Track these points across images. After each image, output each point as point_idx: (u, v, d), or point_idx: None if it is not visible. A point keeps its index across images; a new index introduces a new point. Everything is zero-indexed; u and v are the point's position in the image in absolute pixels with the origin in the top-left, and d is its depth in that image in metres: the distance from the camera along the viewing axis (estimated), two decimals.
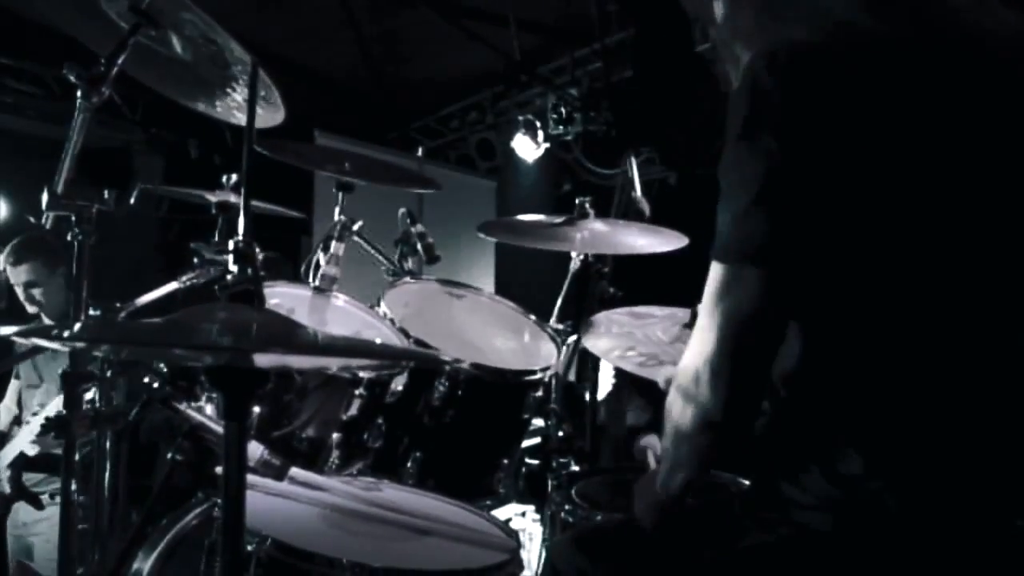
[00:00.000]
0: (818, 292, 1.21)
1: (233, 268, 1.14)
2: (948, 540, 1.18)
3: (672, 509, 1.40)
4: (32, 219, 1.90)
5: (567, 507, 2.24)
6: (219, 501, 1.54)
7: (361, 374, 2.11)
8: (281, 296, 2.32)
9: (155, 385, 1.67)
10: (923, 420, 1.18)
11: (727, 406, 1.23)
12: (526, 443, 2.66)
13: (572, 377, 2.91)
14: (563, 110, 5.71)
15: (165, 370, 1.69)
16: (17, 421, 3.62)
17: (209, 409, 1.93)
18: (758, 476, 1.38)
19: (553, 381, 2.58)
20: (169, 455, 1.77)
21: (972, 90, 1.20)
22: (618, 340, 2.50)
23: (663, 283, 2.76)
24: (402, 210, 2.86)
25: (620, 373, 3.22)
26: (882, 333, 1.19)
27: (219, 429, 1.63)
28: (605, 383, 3.20)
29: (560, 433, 2.57)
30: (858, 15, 1.20)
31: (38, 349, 3.40)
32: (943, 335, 1.18)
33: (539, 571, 2.26)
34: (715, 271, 1.22)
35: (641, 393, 3.65)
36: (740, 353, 1.22)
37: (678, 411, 1.29)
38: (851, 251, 1.17)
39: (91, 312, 1.93)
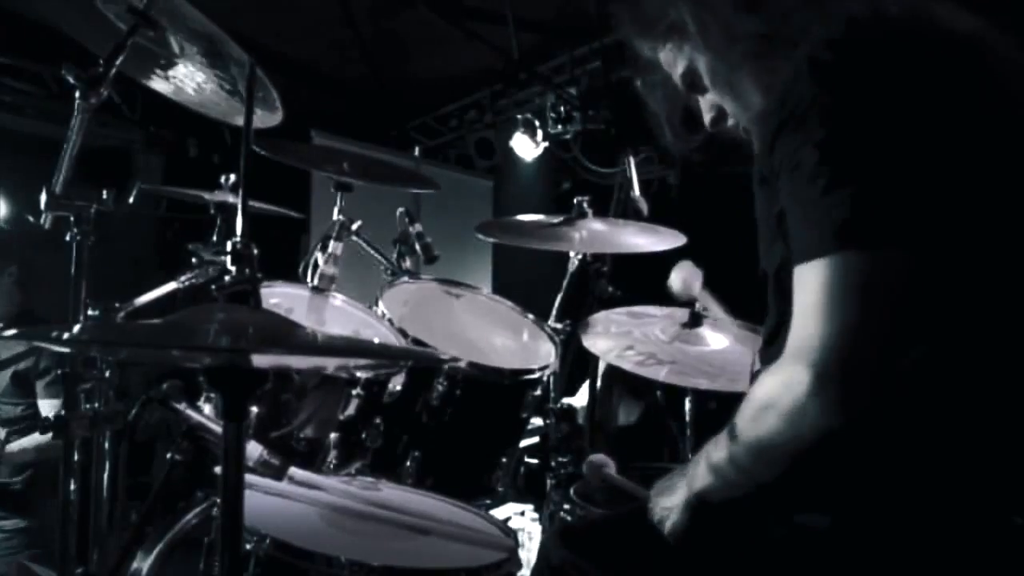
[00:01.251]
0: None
1: (231, 268, 1.14)
2: (946, 538, 1.18)
3: (701, 515, 1.32)
4: (31, 218, 1.90)
5: (565, 506, 2.25)
6: (218, 500, 1.55)
7: (359, 374, 2.11)
8: (280, 296, 2.32)
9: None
10: (919, 417, 1.18)
11: (847, 407, 1.10)
12: (525, 442, 2.67)
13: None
14: (562, 109, 5.70)
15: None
16: None
17: (208, 409, 1.94)
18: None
19: (551, 380, 2.58)
20: (168, 455, 1.78)
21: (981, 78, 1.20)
22: (616, 339, 2.50)
23: (662, 282, 2.76)
24: (400, 210, 2.87)
25: (610, 372, 3.22)
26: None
27: (218, 429, 1.64)
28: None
29: (558, 432, 2.58)
30: (875, 9, 1.21)
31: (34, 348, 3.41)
32: (945, 334, 1.17)
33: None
34: (803, 272, 1.14)
35: (632, 393, 3.66)
36: (861, 346, 1.09)
37: (771, 423, 1.16)
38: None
39: (90, 312, 1.92)
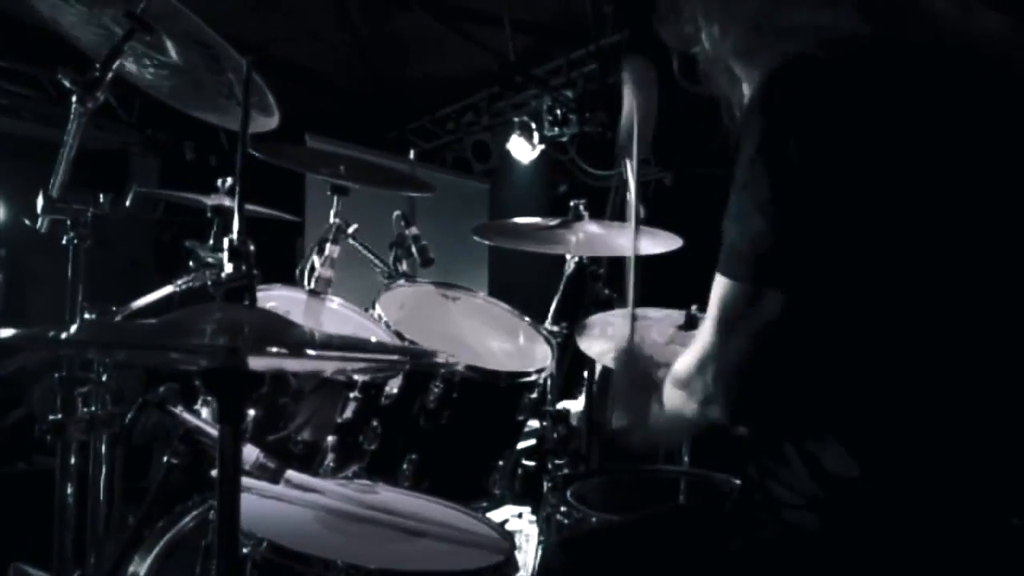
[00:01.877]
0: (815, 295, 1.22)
1: (229, 267, 1.14)
2: (939, 539, 1.18)
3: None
4: (27, 221, 1.90)
5: (562, 509, 2.25)
6: (214, 504, 1.55)
7: (356, 377, 2.12)
8: (276, 299, 2.32)
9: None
10: (911, 417, 1.19)
11: (734, 414, 1.27)
12: (521, 445, 2.67)
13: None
14: (558, 112, 5.71)
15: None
16: None
17: (205, 413, 1.94)
18: (747, 476, 1.39)
19: (548, 383, 2.59)
20: (165, 458, 1.78)
21: (968, 92, 1.21)
22: (613, 342, 2.50)
23: (658, 285, 2.77)
24: (396, 213, 2.87)
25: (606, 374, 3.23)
26: (870, 333, 1.20)
27: (214, 432, 1.64)
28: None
29: (555, 435, 2.59)
30: (857, 24, 1.21)
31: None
32: (933, 334, 1.18)
33: (534, 573, 2.27)
34: (726, 287, 1.22)
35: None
36: (753, 372, 1.24)
37: (676, 404, 1.34)
38: (854, 253, 1.17)
39: (87, 316, 1.92)
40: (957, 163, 1.18)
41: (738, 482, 1.56)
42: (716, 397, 1.25)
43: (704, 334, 1.26)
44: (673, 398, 1.34)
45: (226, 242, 1.14)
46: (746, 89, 1.36)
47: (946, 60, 1.22)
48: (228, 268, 1.15)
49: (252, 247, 1.12)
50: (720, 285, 1.22)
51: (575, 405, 3.19)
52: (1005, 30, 1.25)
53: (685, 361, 1.31)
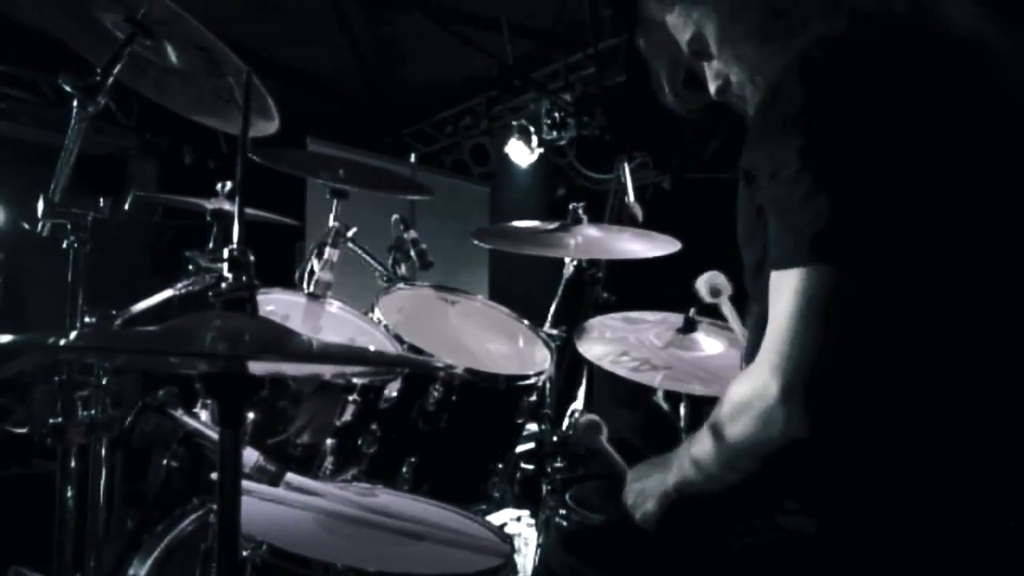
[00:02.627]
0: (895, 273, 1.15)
1: (228, 275, 1.15)
2: (936, 542, 1.18)
3: (676, 507, 1.34)
4: (27, 225, 1.90)
5: (561, 511, 2.26)
6: (214, 507, 1.55)
7: (355, 380, 2.12)
8: (276, 303, 2.33)
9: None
10: (907, 420, 1.19)
11: (815, 420, 1.11)
12: (520, 448, 2.67)
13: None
14: (557, 115, 5.72)
15: None
16: None
17: (204, 415, 1.95)
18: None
19: (547, 386, 2.59)
20: (165, 461, 1.78)
21: (1002, 77, 1.20)
22: (612, 345, 2.51)
23: (656, 288, 2.77)
24: (395, 216, 2.88)
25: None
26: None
27: (214, 435, 1.65)
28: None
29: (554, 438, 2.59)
30: (882, 4, 1.20)
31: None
32: (930, 335, 1.17)
33: (535, 571, 2.27)
34: (779, 279, 1.14)
35: (627, 404, 3.65)
36: (828, 362, 1.11)
37: (746, 425, 1.18)
38: (917, 235, 1.12)
39: (86, 320, 1.93)
40: (989, 147, 1.16)
41: None
42: (798, 408, 1.10)
43: (775, 341, 1.12)
44: (740, 427, 1.19)
45: (226, 252, 1.14)
46: (754, 77, 1.34)
47: (979, 43, 1.20)
48: (228, 277, 1.15)
49: (252, 257, 1.13)
50: (795, 278, 1.11)
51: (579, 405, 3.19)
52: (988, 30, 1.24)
53: (749, 382, 1.17)
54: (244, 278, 1.11)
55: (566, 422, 2.30)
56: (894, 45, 1.16)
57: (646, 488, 1.41)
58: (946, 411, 1.19)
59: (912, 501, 1.19)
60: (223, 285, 1.14)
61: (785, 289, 1.12)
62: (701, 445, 1.27)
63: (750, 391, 1.15)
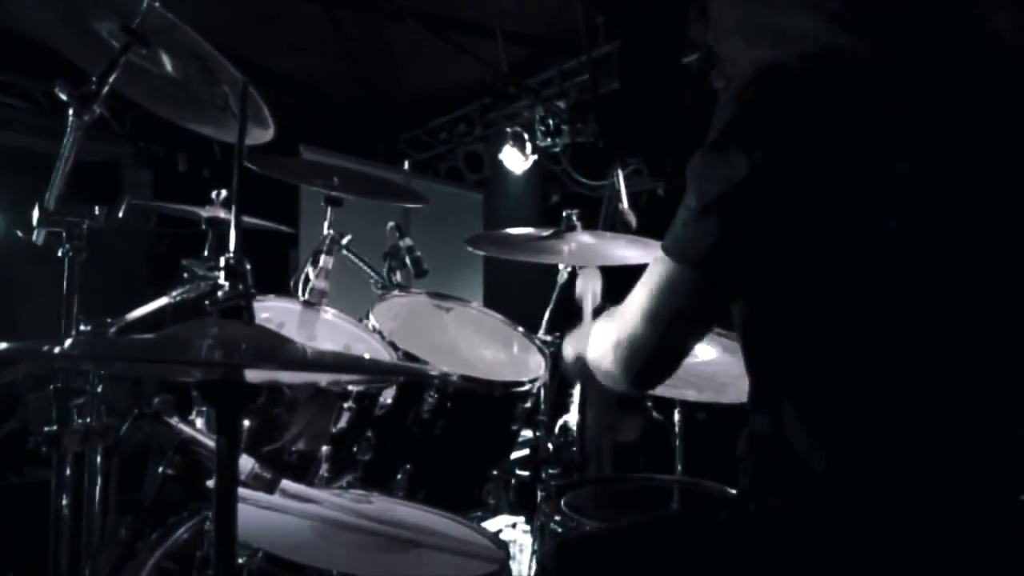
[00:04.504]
0: (768, 295, 1.25)
1: (224, 284, 1.15)
2: (927, 547, 1.19)
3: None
4: (21, 234, 1.90)
5: (556, 518, 2.26)
6: (209, 515, 1.55)
7: (350, 387, 2.12)
8: (271, 310, 2.33)
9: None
10: (892, 425, 1.20)
11: (635, 383, 1.38)
12: (515, 454, 2.68)
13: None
14: (551, 122, 5.73)
15: None
16: None
17: (199, 423, 1.95)
18: (740, 486, 1.40)
19: (542, 392, 2.59)
20: (160, 469, 1.79)
21: (946, 116, 1.19)
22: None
23: None
24: (390, 224, 2.89)
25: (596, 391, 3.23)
26: (841, 339, 1.21)
27: (210, 443, 1.65)
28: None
29: (549, 444, 2.59)
30: (840, 37, 1.20)
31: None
32: (907, 340, 1.19)
33: None
34: (662, 263, 1.26)
35: (628, 409, 3.67)
36: (665, 346, 1.31)
37: (595, 357, 1.42)
38: (801, 265, 1.20)
39: (81, 328, 1.93)
40: (920, 185, 1.18)
41: (733, 491, 1.58)
42: (623, 373, 1.35)
43: (624, 312, 1.32)
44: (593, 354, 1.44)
45: (222, 261, 1.15)
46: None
47: (935, 80, 1.20)
48: (224, 285, 1.16)
49: (248, 266, 1.13)
50: (660, 263, 1.26)
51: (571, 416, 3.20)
52: (1006, 30, 1.23)
53: (598, 343, 1.41)
54: (241, 287, 1.11)
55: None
56: (830, 81, 1.18)
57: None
58: (921, 408, 1.20)
59: (904, 505, 1.20)
60: (219, 293, 1.15)
61: (654, 269, 1.28)
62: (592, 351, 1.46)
63: (599, 353, 1.40)
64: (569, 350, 1.76)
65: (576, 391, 2.98)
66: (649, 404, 3.54)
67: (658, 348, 1.31)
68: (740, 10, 1.33)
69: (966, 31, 1.22)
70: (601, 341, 1.39)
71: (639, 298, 1.29)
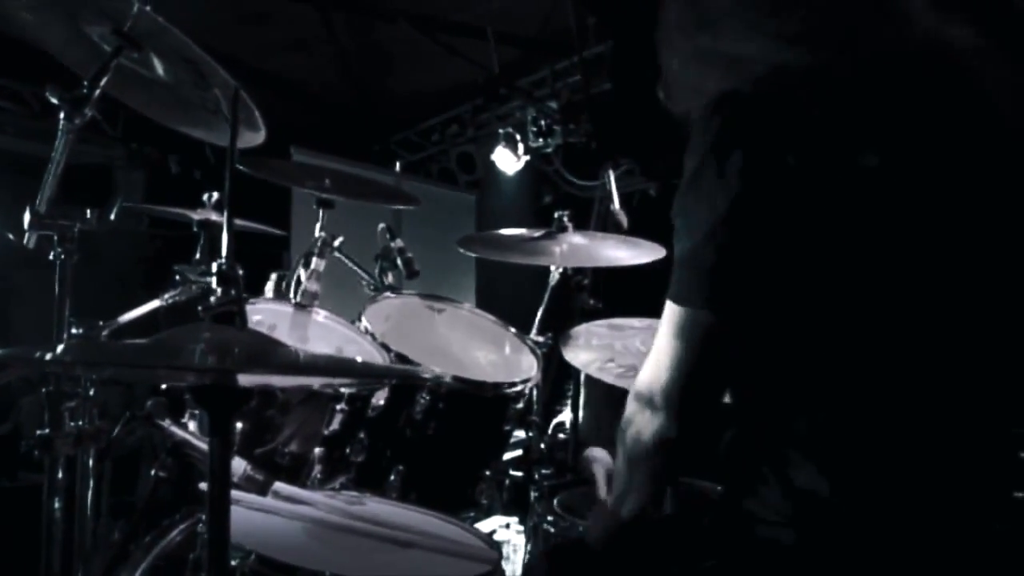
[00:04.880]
0: (768, 316, 1.24)
1: (216, 288, 1.16)
2: (921, 547, 1.20)
3: (624, 535, 1.43)
4: (12, 237, 1.90)
5: (549, 518, 2.26)
6: (203, 517, 1.55)
7: (343, 389, 2.13)
8: (263, 312, 2.33)
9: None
10: (883, 428, 1.20)
11: (682, 425, 1.30)
12: (508, 455, 2.68)
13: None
14: (543, 123, 5.74)
15: None
16: None
17: (192, 425, 1.95)
18: (724, 492, 1.41)
19: (534, 393, 2.60)
20: (153, 471, 1.79)
21: (895, 117, 1.20)
22: (597, 352, 2.52)
23: (642, 294, 2.79)
24: (381, 225, 2.89)
25: (595, 391, 3.24)
26: (832, 351, 1.22)
27: (202, 445, 1.65)
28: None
29: (541, 445, 2.60)
30: (786, 53, 1.22)
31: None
32: (895, 353, 1.20)
33: None
34: (670, 308, 1.27)
35: (619, 410, 3.67)
36: (694, 383, 1.28)
37: (632, 435, 1.36)
38: (800, 276, 1.21)
39: (73, 331, 1.93)
40: (884, 192, 1.19)
41: (719, 488, 1.58)
42: (669, 412, 1.29)
43: (653, 359, 1.31)
44: (631, 432, 1.37)
45: (215, 266, 1.15)
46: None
47: (879, 85, 1.21)
48: (215, 289, 1.16)
49: (240, 271, 1.14)
50: (678, 311, 1.26)
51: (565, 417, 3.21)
52: (959, 40, 1.25)
53: (635, 393, 1.36)
54: (233, 292, 1.12)
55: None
56: (779, 104, 1.20)
57: (597, 513, 1.56)
58: (909, 418, 1.21)
59: (890, 508, 1.20)
60: (211, 298, 1.15)
61: (670, 318, 1.27)
62: (616, 454, 1.42)
63: (635, 401, 1.35)
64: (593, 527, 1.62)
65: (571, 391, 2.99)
66: None
67: (691, 385, 1.29)
68: (690, 42, 1.34)
69: (899, 33, 1.24)
70: (633, 408, 1.37)
71: (662, 350, 1.29)
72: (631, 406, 1.37)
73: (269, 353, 1.09)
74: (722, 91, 1.22)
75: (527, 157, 5.88)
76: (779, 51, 1.23)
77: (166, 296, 2.36)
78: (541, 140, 5.78)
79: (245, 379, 1.09)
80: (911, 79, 1.21)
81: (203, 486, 1.13)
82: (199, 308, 1.13)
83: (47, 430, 1.86)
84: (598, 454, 2.04)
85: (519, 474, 2.74)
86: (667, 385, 1.28)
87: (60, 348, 1.10)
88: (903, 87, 1.20)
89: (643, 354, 2.48)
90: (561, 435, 3.54)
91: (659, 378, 1.29)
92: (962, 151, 1.21)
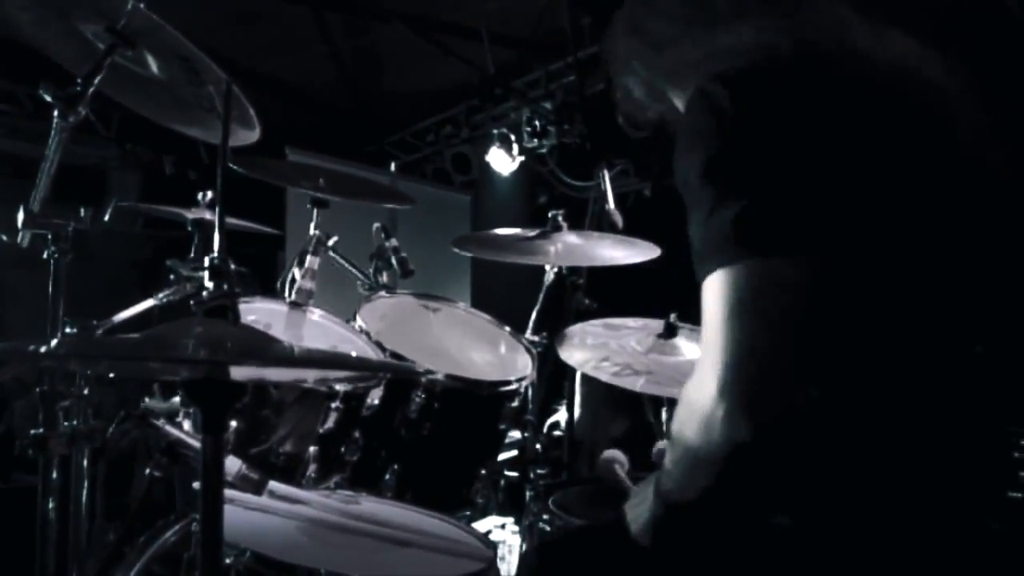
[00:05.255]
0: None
1: (209, 284, 1.15)
2: (917, 544, 1.19)
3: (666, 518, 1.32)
4: (5, 237, 1.90)
5: (545, 517, 2.26)
6: (197, 516, 1.55)
7: (337, 387, 2.12)
8: (257, 311, 2.33)
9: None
10: (880, 423, 1.20)
11: (756, 423, 1.10)
12: (504, 455, 2.68)
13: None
14: (537, 123, 5.72)
15: None
16: None
17: (187, 425, 1.95)
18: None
19: (529, 392, 2.60)
20: (147, 471, 1.78)
21: (871, 109, 1.21)
22: (593, 351, 2.52)
23: (637, 294, 2.79)
24: (376, 225, 2.89)
25: (594, 390, 3.24)
26: (830, 336, 1.21)
27: (196, 444, 1.65)
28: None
29: (536, 444, 2.60)
30: (775, 38, 1.23)
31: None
32: (884, 347, 1.19)
33: None
34: (708, 286, 1.15)
35: (617, 409, 3.67)
36: (770, 355, 1.10)
37: (692, 437, 1.17)
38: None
39: (67, 330, 1.93)
40: (866, 174, 1.18)
41: None
42: (737, 411, 1.09)
43: (710, 344, 1.13)
44: (689, 432, 1.18)
45: (207, 261, 1.15)
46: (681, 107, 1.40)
47: (857, 79, 1.23)
48: (209, 286, 1.16)
49: (233, 266, 1.13)
50: (716, 280, 1.13)
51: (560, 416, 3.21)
52: (912, 56, 1.27)
53: (693, 386, 1.17)
54: (225, 287, 1.11)
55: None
56: (777, 79, 1.20)
57: (638, 507, 1.40)
58: (913, 403, 1.20)
59: (889, 501, 1.20)
60: (204, 294, 1.15)
61: (711, 292, 1.14)
62: (669, 453, 1.27)
63: (695, 395, 1.15)
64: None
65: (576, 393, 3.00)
66: (643, 404, 3.55)
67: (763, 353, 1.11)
68: (647, 66, 1.38)
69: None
70: (689, 400, 1.18)
71: (715, 333, 1.12)
72: (695, 400, 1.15)
73: (262, 346, 1.09)
74: (709, 74, 1.22)
75: (522, 158, 5.86)
76: (765, 31, 1.24)
77: (160, 295, 2.35)
78: (536, 141, 5.75)
79: (238, 374, 1.08)
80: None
81: (197, 485, 1.13)
82: (191, 304, 1.13)
83: (41, 430, 1.86)
84: (616, 455, 2.05)
85: (514, 474, 2.74)
86: (725, 370, 1.10)
87: (54, 343, 1.10)
88: (872, 88, 1.22)
89: (638, 353, 2.51)
90: (556, 434, 3.55)
91: (714, 367, 1.11)
92: (926, 158, 1.22)
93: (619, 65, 1.48)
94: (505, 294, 4.45)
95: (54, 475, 1.94)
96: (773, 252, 1.11)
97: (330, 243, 2.56)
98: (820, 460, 1.21)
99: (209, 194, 2.82)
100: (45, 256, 1.89)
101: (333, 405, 2.17)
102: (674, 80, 1.40)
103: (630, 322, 2.66)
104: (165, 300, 2.37)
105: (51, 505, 1.96)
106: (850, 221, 1.15)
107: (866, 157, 1.19)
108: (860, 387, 1.20)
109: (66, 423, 1.90)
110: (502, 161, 5.89)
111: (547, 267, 2.92)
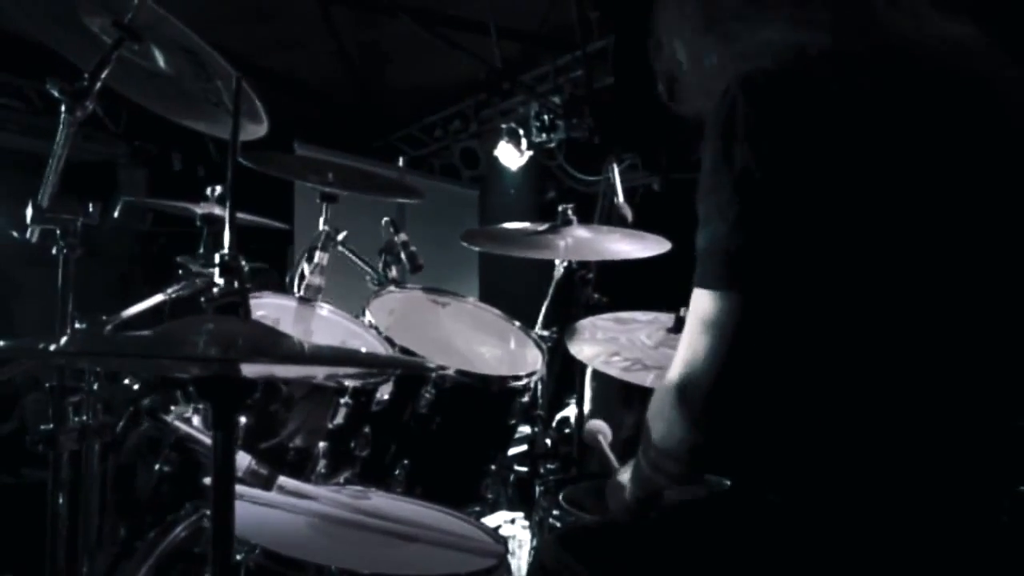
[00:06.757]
0: (794, 300, 1.22)
1: (219, 281, 1.15)
2: (928, 539, 1.19)
3: (643, 510, 1.44)
4: (15, 233, 1.90)
5: (555, 512, 2.25)
6: (207, 512, 1.55)
7: (347, 383, 2.12)
8: (267, 307, 2.33)
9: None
10: (891, 417, 1.20)
11: (711, 425, 1.25)
12: (513, 450, 2.68)
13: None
14: (546, 118, 5.72)
15: None
16: None
17: (196, 420, 1.94)
18: (736, 479, 1.40)
19: (539, 387, 2.59)
20: (157, 467, 1.78)
21: (913, 100, 1.21)
22: (602, 346, 2.51)
23: (647, 288, 2.78)
24: (385, 219, 2.88)
25: (605, 385, 3.23)
26: (845, 339, 1.21)
27: (207, 440, 1.65)
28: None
29: (546, 439, 2.60)
30: (808, 37, 1.23)
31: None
32: (904, 345, 1.19)
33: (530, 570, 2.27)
34: (699, 296, 1.23)
35: (628, 403, 3.66)
36: (726, 378, 1.22)
37: (662, 430, 1.30)
38: (822, 258, 1.19)
39: (77, 326, 1.92)
40: (904, 170, 1.18)
41: (728, 483, 1.58)
42: (694, 417, 1.24)
43: (683, 350, 1.25)
44: (664, 409, 1.30)
45: (217, 258, 1.14)
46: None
47: (898, 70, 1.22)
48: (219, 282, 1.15)
49: (251, 263, 1.13)
50: (707, 297, 1.22)
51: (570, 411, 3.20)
52: (967, 38, 1.26)
53: (663, 387, 1.30)
54: (236, 283, 1.11)
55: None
56: (805, 82, 1.20)
57: (619, 485, 1.54)
58: (917, 403, 1.20)
59: (899, 496, 1.20)
60: (214, 290, 1.15)
61: (700, 304, 1.23)
62: (643, 438, 1.37)
63: (662, 396, 1.29)
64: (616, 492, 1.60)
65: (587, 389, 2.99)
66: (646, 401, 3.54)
67: (719, 375, 1.22)
68: (698, 43, 1.36)
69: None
70: (660, 393, 1.31)
71: (692, 342, 1.24)
72: (664, 397, 1.29)
73: (273, 343, 1.08)
74: (737, 75, 1.21)
75: (530, 152, 5.86)
76: (796, 33, 1.23)
77: (170, 291, 2.35)
78: (544, 135, 5.75)
79: (249, 370, 1.08)
80: (921, 72, 1.22)
81: (207, 480, 1.12)
82: (202, 300, 1.12)
83: (51, 425, 1.85)
84: (600, 426, 2.07)
85: (524, 469, 2.73)
86: (699, 378, 1.22)
87: (64, 340, 1.09)
88: (915, 78, 1.21)
89: (648, 348, 2.50)
90: (566, 430, 3.54)
91: (691, 372, 1.23)
92: (973, 147, 1.22)
93: (668, 39, 1.47)
94: (514, 289, 4.45)
95: (64, 471, 1.94)
96: (767, 293, 1.19)
97: (339, 238, 2.56)
98: (820, 460, 1.21)
99: (218, 189, 2.81)
100: (54, 252, 1.89)
101: (343, 400, 2.17)
102: (713, 66, 1.38)
103: (640, 316, 2.65)
104: (175, 295, 2.37)
105: (61, 500, 1.96)
106: (840, 264, 1.18)
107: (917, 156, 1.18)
108: (860, 387, 1.21)
109: (76, 419, 1.90)
110: (510, 156, 5.89)
111: (556, 261, 2.91)
